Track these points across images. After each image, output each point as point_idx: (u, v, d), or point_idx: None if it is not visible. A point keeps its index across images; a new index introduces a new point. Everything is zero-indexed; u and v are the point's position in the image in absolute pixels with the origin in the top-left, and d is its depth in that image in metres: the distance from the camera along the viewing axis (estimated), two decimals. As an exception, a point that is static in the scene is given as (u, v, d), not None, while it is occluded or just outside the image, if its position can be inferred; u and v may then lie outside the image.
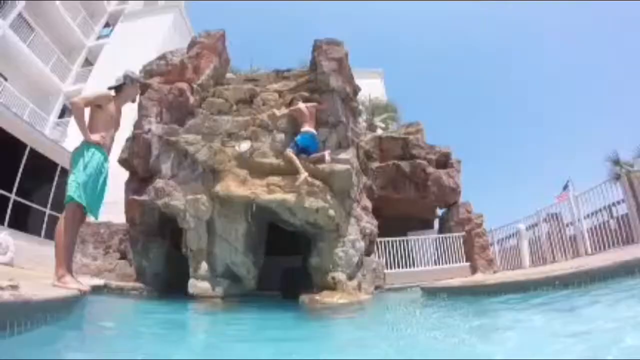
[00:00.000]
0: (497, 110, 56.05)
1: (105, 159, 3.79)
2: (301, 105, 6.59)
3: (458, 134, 49.66)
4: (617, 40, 41.87)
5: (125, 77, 4.13)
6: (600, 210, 8.44)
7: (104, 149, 3.78)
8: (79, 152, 3.63)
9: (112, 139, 3.99)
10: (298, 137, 6.35)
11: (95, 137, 3.69)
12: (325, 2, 49.67)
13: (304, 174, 5.99)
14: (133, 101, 4.41)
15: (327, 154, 6.21)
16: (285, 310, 5.59)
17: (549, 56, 48.99)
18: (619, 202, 8.07)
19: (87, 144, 3.65)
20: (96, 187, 3.64)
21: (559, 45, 46.71)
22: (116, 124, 4.04)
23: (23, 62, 16.03)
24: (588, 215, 8.67)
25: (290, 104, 6.80)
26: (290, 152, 6.21)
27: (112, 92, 4.03)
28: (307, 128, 6.36)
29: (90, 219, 4.08)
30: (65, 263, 3.38)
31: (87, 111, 3.80)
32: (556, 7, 38.68)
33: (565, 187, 10.00)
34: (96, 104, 3.82)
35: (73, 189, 3.45)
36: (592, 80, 49.25)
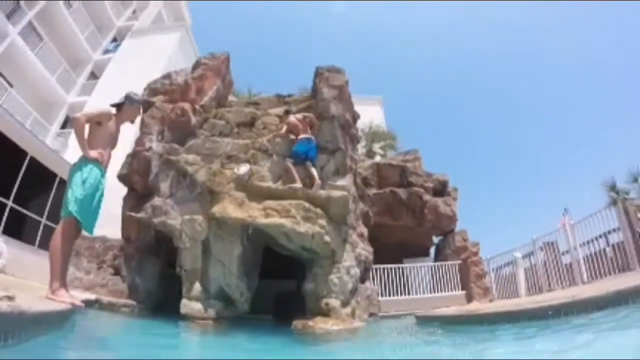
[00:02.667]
0: (495, 138, 56.45)
1: (103, 176, 3.84)
2: (291, 117, 6.83)
3: (455, 161, 49.92)
4: (618, 62, 42.45)
5: (127, 97, 4.20)
6: (596, 238, 8.45)
7: (101, 165, 3.82)
8: (77, 167, 3.68)
9: (110, 156, 4.04)
10: (294, 147, 6.53)
11: (93, 153, 3.74)
12: (327, 28, 50.75)
13: (299, 184, 6.22)
14: (132, 122, 4.41)
15: (316, 184, 6.30)
16: (276, 335, 5.57)
17: (549, 80, 49.66)
18: (614, 230, 8.09)
19: (85, 160, 3.70)
20: (92, 202, 3.67)
21: (559, 69, 47.39)
22: (114, 142, 4.09)
23: (30, 70, 16.19)
24: (584, 243, 8.67)
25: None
26: (289, 163, 6.42)
27: (113, 110, 4.10)
28: (302, 135, 6.55)
29: (85, 232, 4.11)
30: (60, 277, 3.40)
31: (86, 127, 3.85)
32: (561, 27, 39.35)
33: (563, 214, 10.04)
34: (97, 120, 3.88)
35: (71, 204, 3.49)
36: (589, 104, 49.78)
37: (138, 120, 7.74)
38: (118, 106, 4.16)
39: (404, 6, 44.83)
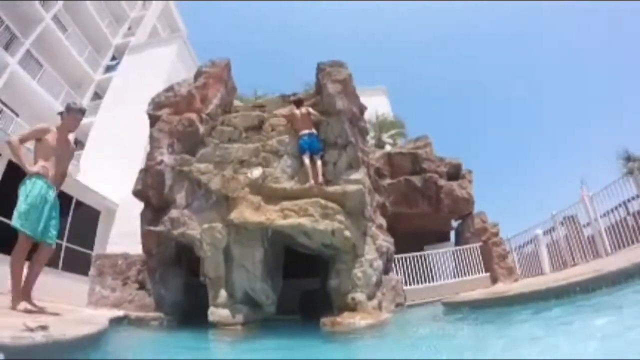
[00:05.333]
0: (504, 114, 55.65)
1: (49, 187, 3.93)
2: (295, 110, 6.99)
3: (466, 143, 49.31)
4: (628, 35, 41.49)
5: (66, 107, 4.36)
6: (616, 207, 8.33)
7: (46, 177, 3.92)
8: (22, 184, 3.83)
9: (62, 167, 4.22)
10: (300, 142, 6.65)
11: (34, 167, 3.89)
12: (324, 23, 50.55)
13: (310, 181, 6.26)
14: (74, 129, 4.49)
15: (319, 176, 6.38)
16: (307, 335, 5.56)
17: (560, 54, 48.76)
18: (633, 198, 7.98)
19: (29, 176, 3.85)
20: (42, 214, 3.77)
21: (570, 43, 46.53)
22: (62, 153, 4.23)
23: (32, 97, 16.40)
24: (605, 214, 8.54)
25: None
26: (306, 159, 6.51)
27: (53, 126, 4.21)
28: (304, 131, 6.67)
29: (107, 250, 4.17)
30: (17, 288, 3.63)
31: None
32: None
33: (581, 187, 9.89)
34: (33, 138, 4.10)
35: (15, 218, 3.65)
36: (603, 76, 48.83)
37: (147, 135, 7.87)
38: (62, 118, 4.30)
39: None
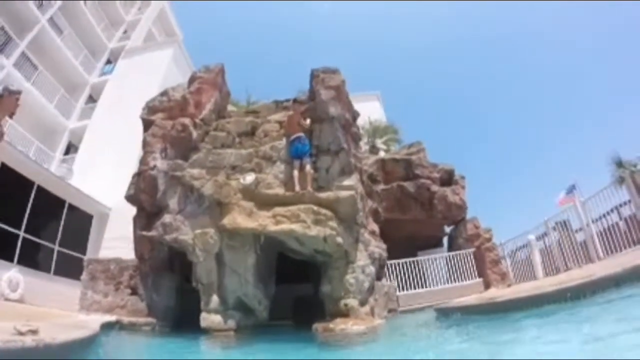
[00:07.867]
0: (498, 121, 55.88)
1: None
2: (288, 113, 7.17)
3: (460, 148, 49.29)
4: (617, 40, 41.91)
5: (3, 89, 4.29)
6: (608, 212, 8.34)
7: None
8: None
9: None
10: (290, 148, 6.75)
11: None
12: (319, 29, 50.83)
13: (297, 188, 6.30)
14: (11, 115, 4.47)
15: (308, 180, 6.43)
16: (300, 341, 5.57)
17: (550, 61, 49.03)
18: (625, 203, 7.99)
19: None
20: None
21: (559, 48, 46.86)
22: None
23: (27, 100, 16.27)
24: (596, 219, 8.55)
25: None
26: (295, 168, 6.54)
27: None
28: (293, 136, 6.76)
29: (100, 255, 4.14)
30: None
31: None
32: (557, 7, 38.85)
33: (570, 191, 9.92)
34: None
35: None
36: (592, 82, 49.20)
37: (140, 139, 7.86)
38: None
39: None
